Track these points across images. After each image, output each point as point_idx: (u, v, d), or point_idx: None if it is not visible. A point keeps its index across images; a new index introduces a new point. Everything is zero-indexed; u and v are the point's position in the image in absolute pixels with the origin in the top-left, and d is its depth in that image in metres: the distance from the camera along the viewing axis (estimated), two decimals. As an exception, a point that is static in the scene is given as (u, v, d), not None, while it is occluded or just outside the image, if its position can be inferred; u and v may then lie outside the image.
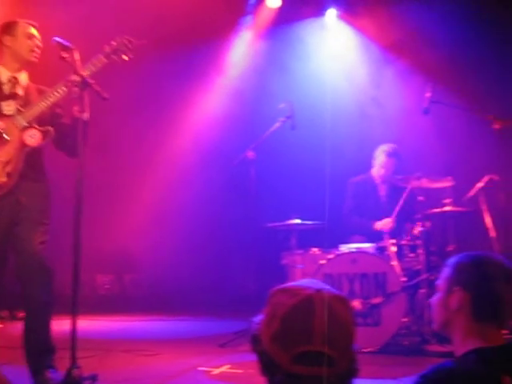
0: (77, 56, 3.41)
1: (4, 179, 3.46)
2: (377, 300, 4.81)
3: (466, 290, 1.80)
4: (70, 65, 3.39)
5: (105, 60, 3.53)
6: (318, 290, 1.27)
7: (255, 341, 1.32)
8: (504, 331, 1.82)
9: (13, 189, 3.48)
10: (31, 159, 3.54)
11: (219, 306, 6.64)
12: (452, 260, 1.88)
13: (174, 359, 4.63)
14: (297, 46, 6.82)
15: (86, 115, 3.35)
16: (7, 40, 3.59)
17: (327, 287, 1.31)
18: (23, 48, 3.57)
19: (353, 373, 1.29)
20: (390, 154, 5.60)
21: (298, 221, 5.16)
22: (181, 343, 5.42)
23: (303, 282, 1.34)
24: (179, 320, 6.81)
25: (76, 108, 3.41)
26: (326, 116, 6.31)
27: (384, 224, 5.34)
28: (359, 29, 6.93)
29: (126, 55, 3.56)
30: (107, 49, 3.55)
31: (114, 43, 3.57)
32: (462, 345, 1.80)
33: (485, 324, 1.78)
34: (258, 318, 1.34)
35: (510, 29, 6.42)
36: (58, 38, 3.44)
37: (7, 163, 3.46)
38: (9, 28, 3.59)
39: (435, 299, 1.89)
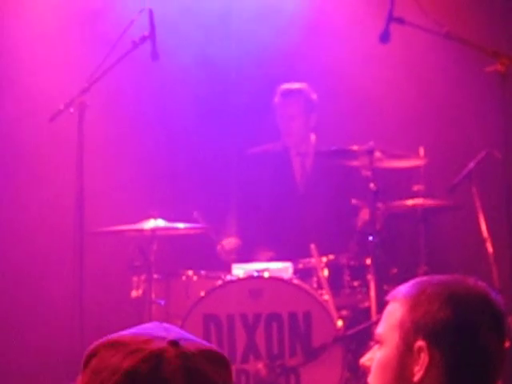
0: None
1: None
2: (295, 361, 4.82)
3: (436, 347, 1.84)
4: None
5: None
6: (173, 343, 1.29)
7: None
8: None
9: None
10: None
11: (18, 369, 6.33)
12: (404, 293, 1.93)
13: None
14: None
15: None
16: None
17: (188, 336, 1.34)
18: None
19: None
20: (288, 93, 5.79)
21: (160, 222, 5.05)
22: None
23: (148, 327, 1.37)
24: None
25: None
26: (214, 43, 6.33)
27: (229, 244, 5.65)
28: None
29: None
30: None
31: None
32: None
33: None
34: None
35: None
36: None
37: None
38: None
39: (378, 360, 1.93)
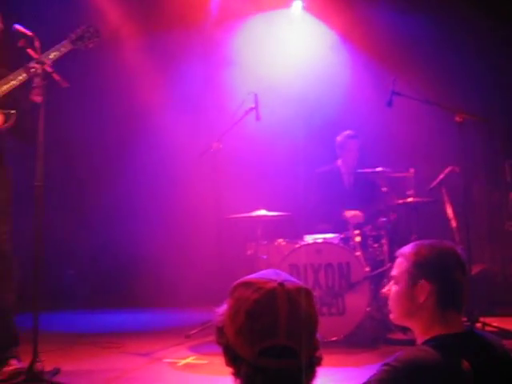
0: (37, 44, 3.32)
1: None
2: (341, 290, 4.79)
3: (431, 281, 1.81)
4: (29, 53, 3.29)
5: (69, 46, 3.46)
6: (281, 284, 1.27)
7: (220, 333, 1.32)
8: (463, 318, 1.89)
9: None
10: None
11: (184, 297, 6.58)
12: (408, 251, 1.86)
13: (139, 351, 4.61)
14: (262, 37, 6.79)
15: (38, 98, 3.26)
16: None
17: (290, 279, 1.31)
18: None
19: (316, 362, 1.30)
20: (351, 136, 5.61)
21: (263, 212, 5.07)
22: (147, 335, 5.37)
23: (266, 273, 1.33)
24: (145, 312, 6.71)
25: (35, 93, 3.30)
26: (291, 108, 6.51)
27: (353, 216, 5.32)
28: (324, 20, 6.92)
29: (92, 43, 3.49)
30: (72, 35, 3.49)
31: (79, 30, 3.50)
32: (425, 333, 1.82)
33: (448, 312, 1.80)
34: (221, 309, 1.33)
35: (474, 25, 6.45)
36: (18, 26, 3.34)
37: None
38: None
39: (395, 292, 1.87)
